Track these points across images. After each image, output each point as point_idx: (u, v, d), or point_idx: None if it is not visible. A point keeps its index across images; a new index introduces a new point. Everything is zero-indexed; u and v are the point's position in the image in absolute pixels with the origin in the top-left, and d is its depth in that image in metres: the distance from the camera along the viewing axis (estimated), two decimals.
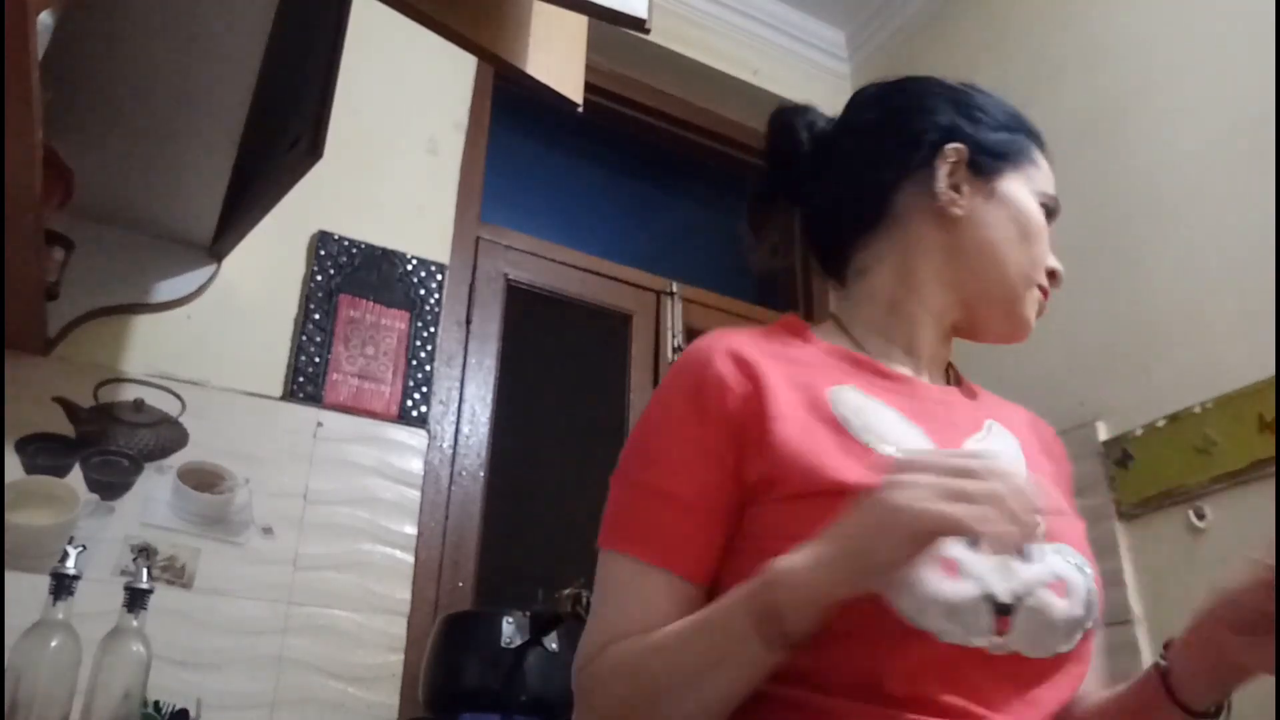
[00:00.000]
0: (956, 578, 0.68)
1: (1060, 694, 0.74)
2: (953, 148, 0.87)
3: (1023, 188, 0.88)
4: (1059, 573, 0.73)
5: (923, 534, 0.61)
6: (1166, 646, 0.76)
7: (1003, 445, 0.85)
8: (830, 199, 0.92)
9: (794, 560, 0.64)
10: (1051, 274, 0.89)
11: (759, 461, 0.74)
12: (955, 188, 0.86)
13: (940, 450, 0.74)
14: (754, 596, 0.65)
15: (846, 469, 0.71)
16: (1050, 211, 0.90)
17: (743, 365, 0.78)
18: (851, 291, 0.91)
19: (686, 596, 0.73)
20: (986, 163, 0.87)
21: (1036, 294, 0.88)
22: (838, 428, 0.76)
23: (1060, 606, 0.71)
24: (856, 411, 0.78)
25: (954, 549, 0.68)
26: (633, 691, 0.70)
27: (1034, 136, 0.92)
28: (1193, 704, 0.73)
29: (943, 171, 0.86)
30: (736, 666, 0.66)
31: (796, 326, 0.89)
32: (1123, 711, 0.78)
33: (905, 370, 0.87)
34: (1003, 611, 0.69)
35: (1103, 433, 1.88)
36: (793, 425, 0.74)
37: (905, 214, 0.88)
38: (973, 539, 0.64)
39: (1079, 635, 0.74)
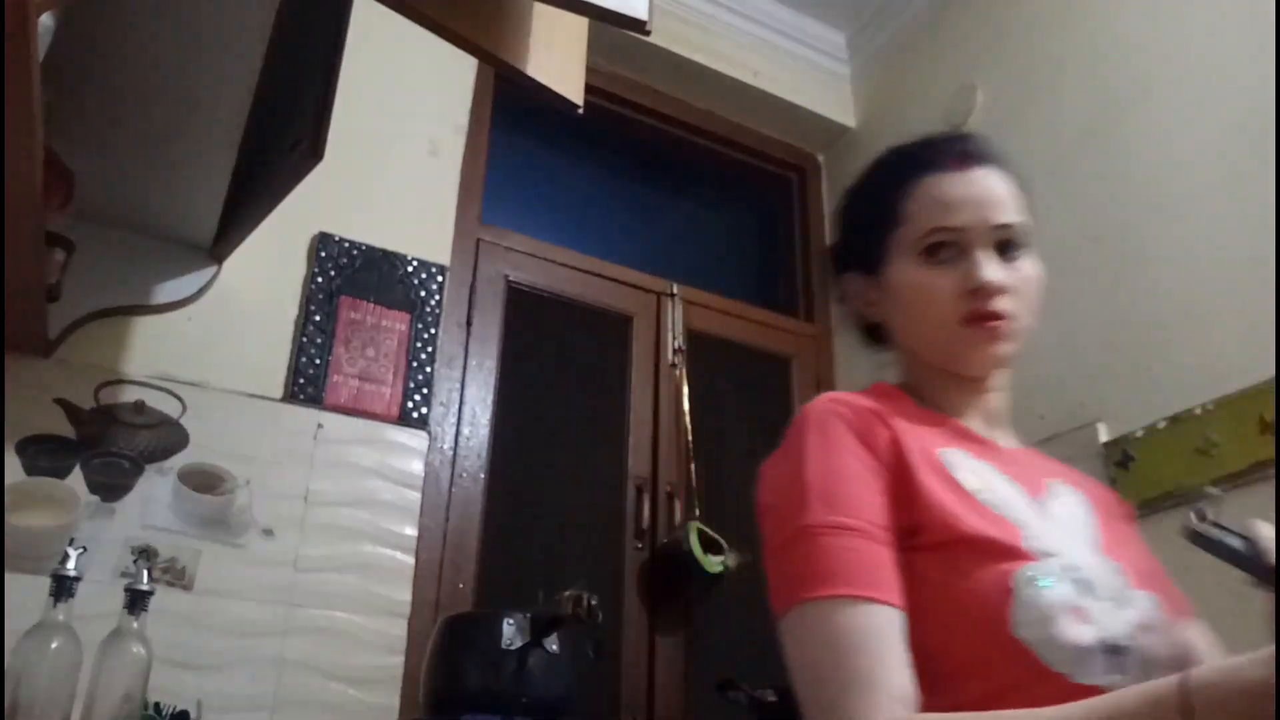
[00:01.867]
0: (1081, 624, 0.74)
1: None
2: (847, 278, 1.02)
3: (902, 262, 0.94)
4: (1153, 619, 0.80)
5: None
6: None
7: (1073, 501, 0.93)
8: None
9: (1217, 677, 0.62)
10: (974, 292, 0.89)
11: (905, 511, 0.80)
12: (868, 301, 1.00)
13: None
14: (1173, 700, 0.63)
15: (972, 522, 0.80)
16: (953, 229, 0.91)
17: (884, 421, 0.84)
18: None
19: (906, 632, 0.74)
20: (872, 265, 0.99)
21: (968, 330, 0.90)
22: (956, 486, 0.84)
23: (1161, 648, 0.79)
24: (972, 471, 0.87)
25: (1083, 599, 0.75)
26: None
27: (897, 184, 0.95)
28: None
29: (852, 298, 1.03)
30: None
31: (889, 392, 0.96)
32: None
33: (981, 432, 0.96)
34: (1115, 653, 0.75)
35: (1103, 434, 1.88)
36: (926, 481, 0.82)
37: (875, 323, 1.04)
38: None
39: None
